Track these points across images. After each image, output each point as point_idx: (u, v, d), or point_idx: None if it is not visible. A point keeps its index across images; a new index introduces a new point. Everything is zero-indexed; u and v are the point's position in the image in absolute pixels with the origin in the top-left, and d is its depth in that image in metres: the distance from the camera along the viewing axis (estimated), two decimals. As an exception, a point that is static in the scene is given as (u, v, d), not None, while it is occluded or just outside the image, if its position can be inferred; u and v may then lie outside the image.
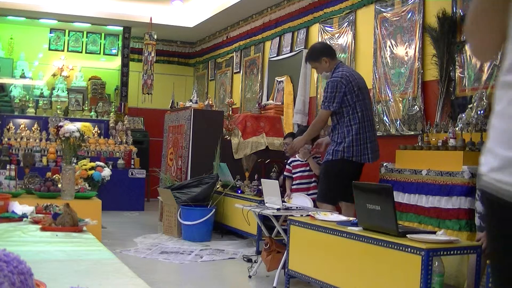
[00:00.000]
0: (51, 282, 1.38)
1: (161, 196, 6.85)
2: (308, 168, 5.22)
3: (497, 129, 1.14)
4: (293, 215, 3.93)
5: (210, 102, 7.39)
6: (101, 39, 11.00)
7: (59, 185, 4.35)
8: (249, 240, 5.95)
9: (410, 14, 5.40)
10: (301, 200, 4.69)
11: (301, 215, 3.92)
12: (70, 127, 4.31)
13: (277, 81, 7.77)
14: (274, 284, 4.02)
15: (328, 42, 6.71)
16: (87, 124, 4.53)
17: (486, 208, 1.25)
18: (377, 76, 5.78)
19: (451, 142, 4.22)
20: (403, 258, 2.77)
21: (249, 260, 4.94)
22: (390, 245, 2.86)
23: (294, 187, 5.29)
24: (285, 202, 4.74)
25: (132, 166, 8.76)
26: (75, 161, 4.79)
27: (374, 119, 4.57)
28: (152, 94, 9.73)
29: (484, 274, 2.79)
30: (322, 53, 4.50)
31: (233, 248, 5.65)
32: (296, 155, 5.26)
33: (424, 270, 2.65)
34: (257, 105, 7.86)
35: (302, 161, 5.24)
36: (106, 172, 6.39)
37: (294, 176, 5.33)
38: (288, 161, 5.45)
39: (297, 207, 4.30)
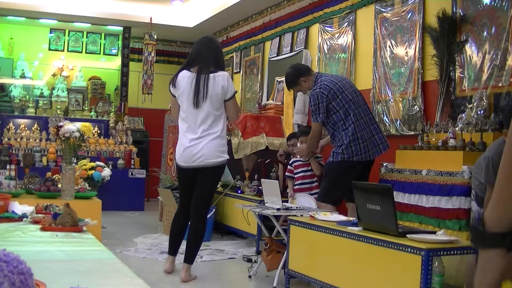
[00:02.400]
0: (51, 282, 1.38)
1: (161, 196, 6.85)
2: (310, 168, 5.21)
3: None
4: (293, 215, 3.94)
5: (210, 102, 7.39)
6: (101, 39, 11.00)
7: (59, 185, 4.35)
8: (249, 240, 5.95)
9: (410, 14, 5.40)
10: (304, 200, 4.68)
11: (301, 215, 3.92)
12: (70, 127, 4.31)
13: (277, 81, 7.77)
14: (274, 284, 4.02)
15: (328, 42, 6.72)
16: (87, 124, 4.53)
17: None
18: (377, 76, 5.78)
19: (451, 142, 4.22)
20: (403, 258, 2.77)
21: (249, 260, 4.94)
22: (390, 245, 2.86)
23: (296, 187, 5.28)
24: (287, 202, 4.75)
25: (132, 166, 8.75)
26: (75, 161, 4.79)
27: (371, 114, 4.58)
28: (152, 94, 9.73)
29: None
30: (297, 76, 4.61)
31: (233, 248, 5.65)
32: (298, 155, 5.28)
33: (424, 270, 2.65)
34: (257, 105, 7.86)
35: (304, 161, 5.24)
36: (106, 172, 6.39)
37: (296, 176, 5.31)
38: (290, 162, 5.44)
39: (297, 207, 4.31)
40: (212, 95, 4.11)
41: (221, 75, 4.20)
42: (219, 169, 4.25)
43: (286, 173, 5.46)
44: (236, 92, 4.28)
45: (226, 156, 4.22)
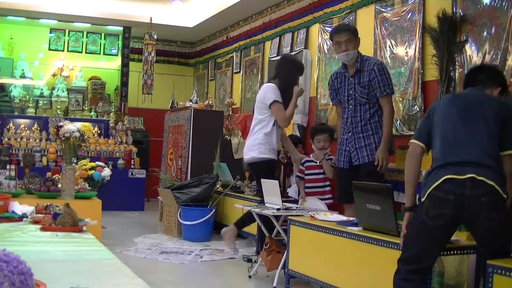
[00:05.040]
0: (51, 282, 1.38)
1: (161, 196, 6.85)
2: (322, 170, 4.94)
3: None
4: (293, 215, 3.94)
5: (210, 102, 7.39)
6: (101, 39, 10.99)
7: (59, 185, 4.35)
8: (249, 240, 5.95)
9: (410, 14, 5.40)
10: (315, 206, 4.55)
11: (301, 215, 3.92)
12: (70, 127, 4.31)
13: (277, 81, 7.77)
14: (274, 284, 4.03)
15: (328, 42, 6.71)
16: (87, 124, 4.53)
17: None
18: (377, 76, 5.77)
19: (451, 142, 4.20)
20: (403, 258, 2.76)
21: (249, 260, 4.94)
22: (390, 245, 2.86)
23: (307, 190, 4.97)
24: (297, 203, 4.70)
25: (132, 166, 8.75)
26: (75, 161, 4.79)
27: None
28: (152, 94, 9.72)
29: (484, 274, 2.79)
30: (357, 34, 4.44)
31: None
32: (311, 155, 5.07)
33: (424, 270, 2.65)
34: (257, 105, 7.85)
35: (316, 163, 4.98)
36: (106, 172, 6.39)
37: (306, 178, 5.01)
38: (302, 162, 5.13)
39: (297, 207, 4.30)
40: (256, 101, 4.94)
41: (264, 86, 4.96)
42: (256, 165, 4.93)
43: (297, 173, 5.15)
44: (275, 100, 4.70)
45: (253, 155, 4.87)
